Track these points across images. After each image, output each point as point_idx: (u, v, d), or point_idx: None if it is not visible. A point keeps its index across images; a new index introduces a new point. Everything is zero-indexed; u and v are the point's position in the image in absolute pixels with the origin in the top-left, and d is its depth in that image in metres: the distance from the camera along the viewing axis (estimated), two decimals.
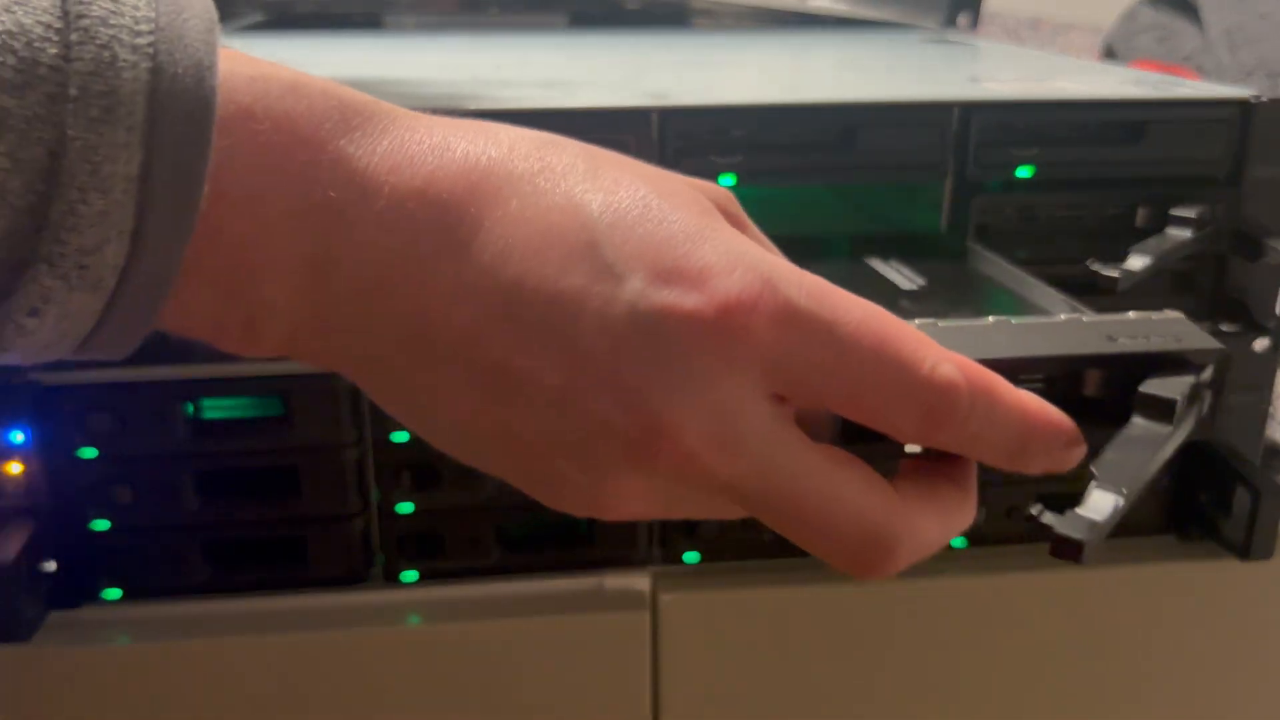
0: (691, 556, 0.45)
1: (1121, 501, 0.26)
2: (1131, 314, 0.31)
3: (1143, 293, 0.43)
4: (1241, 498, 0.45)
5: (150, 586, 0.43)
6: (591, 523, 0.45)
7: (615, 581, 0.45)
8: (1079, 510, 0.26)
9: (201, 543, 0.43)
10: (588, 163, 0.27)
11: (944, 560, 0.46)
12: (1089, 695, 0.48)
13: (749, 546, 0.45)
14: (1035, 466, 0.28)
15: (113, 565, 0.42)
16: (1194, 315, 0.44)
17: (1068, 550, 0.26)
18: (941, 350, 0.26)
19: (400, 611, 0.43)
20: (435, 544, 0.44)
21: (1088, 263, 0.40)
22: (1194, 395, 0.29)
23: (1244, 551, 0.44)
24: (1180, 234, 0.42)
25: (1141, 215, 0.43)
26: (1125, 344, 0.29)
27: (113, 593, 0.43)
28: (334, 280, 0.25)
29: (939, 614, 0.46)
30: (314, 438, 0.42)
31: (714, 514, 0.29)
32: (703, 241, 0.26)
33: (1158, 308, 0.44)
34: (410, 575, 0.44)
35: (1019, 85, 0.45)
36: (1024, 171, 0.42)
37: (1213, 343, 0.30)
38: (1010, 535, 0.47)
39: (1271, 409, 0.46)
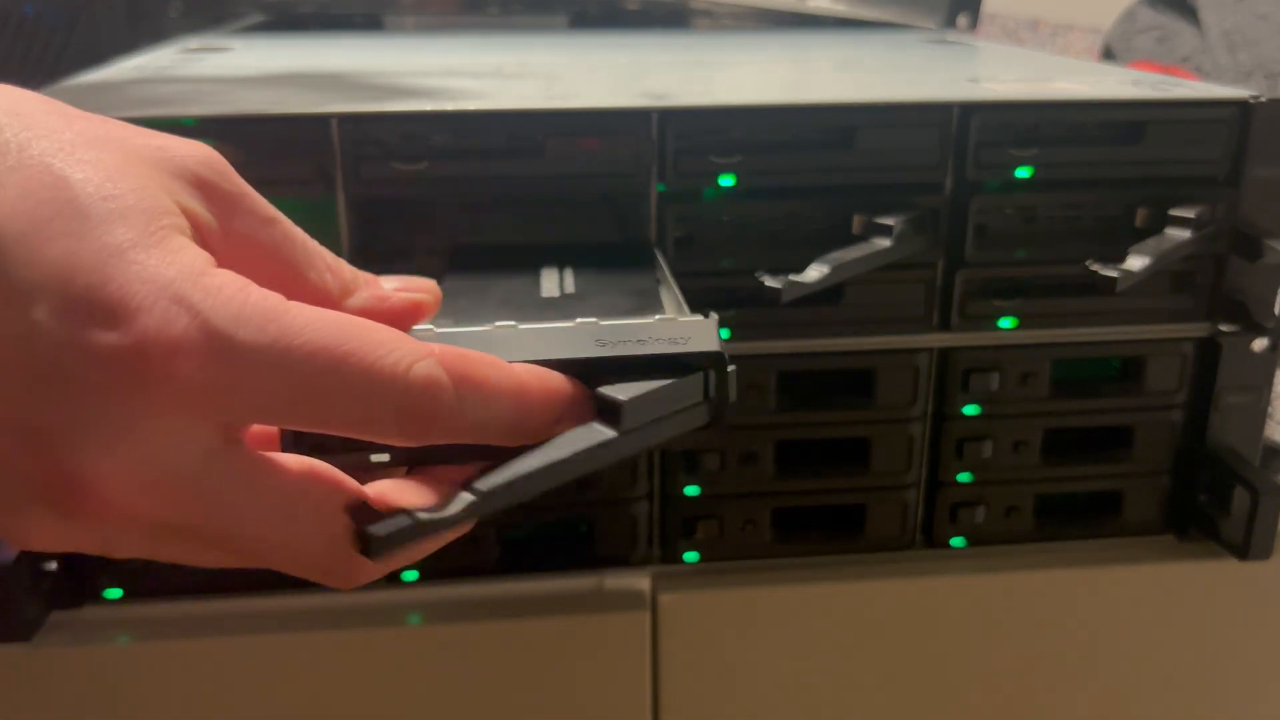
0: (691, 556, 0.45)
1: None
2: (656, 318, 0.30)
3: (1142, 293, 0.43)
4: (1240, 498, 0.45)
5: (151, 586, 0.43)
6: (591, 523, 0.45)
7: (615, 581, 0.45)
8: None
9: None
10: (18, 130, 0.23)
11: (944, 560, 0.46)
12: (1088, 694, 0.48)
13: (748, 546, 0.46)
14: (548, 435, 0.27)
15: (114, 565, 0.42)
16: (1193, 315, 0.45)
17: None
18: (418, 346, 0.25)
19: (401, 611, 0.43)
20: None
21: (1087, 263, 0.40)
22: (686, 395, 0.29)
23: (1243, 551, 0.45)
24: (1179, 234, 0.42)
25: (1141, 216, 0.43)
26: (611, 349, 0.29)
27: (114, 592, 0.43)
28: None
29: (939, 614, 0.46)
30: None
31: (165, 553, 0.27)
32: (126, 263, 0.22)
33: (1156, 308, 0.44)
34: (411, 575, 0.44)
35: (1018, 86, 0.45)
36: (1023, 172, 0.42)
37: (710, 346, 0.29)
38: (1010, 535, 0.47)
39: (1270, 409, 0.46)
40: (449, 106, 0.40)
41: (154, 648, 0.42)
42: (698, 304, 0.39)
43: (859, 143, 0.41)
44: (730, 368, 0.29)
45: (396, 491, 0.26)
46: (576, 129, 0.40)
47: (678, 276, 0.38)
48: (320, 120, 0.39)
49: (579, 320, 0.30)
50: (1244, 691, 0.49)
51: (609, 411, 0.27)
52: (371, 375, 0.24)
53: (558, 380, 0.27)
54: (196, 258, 0.24)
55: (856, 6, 0.83)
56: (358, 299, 0.29)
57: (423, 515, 0.24)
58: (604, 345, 0.29)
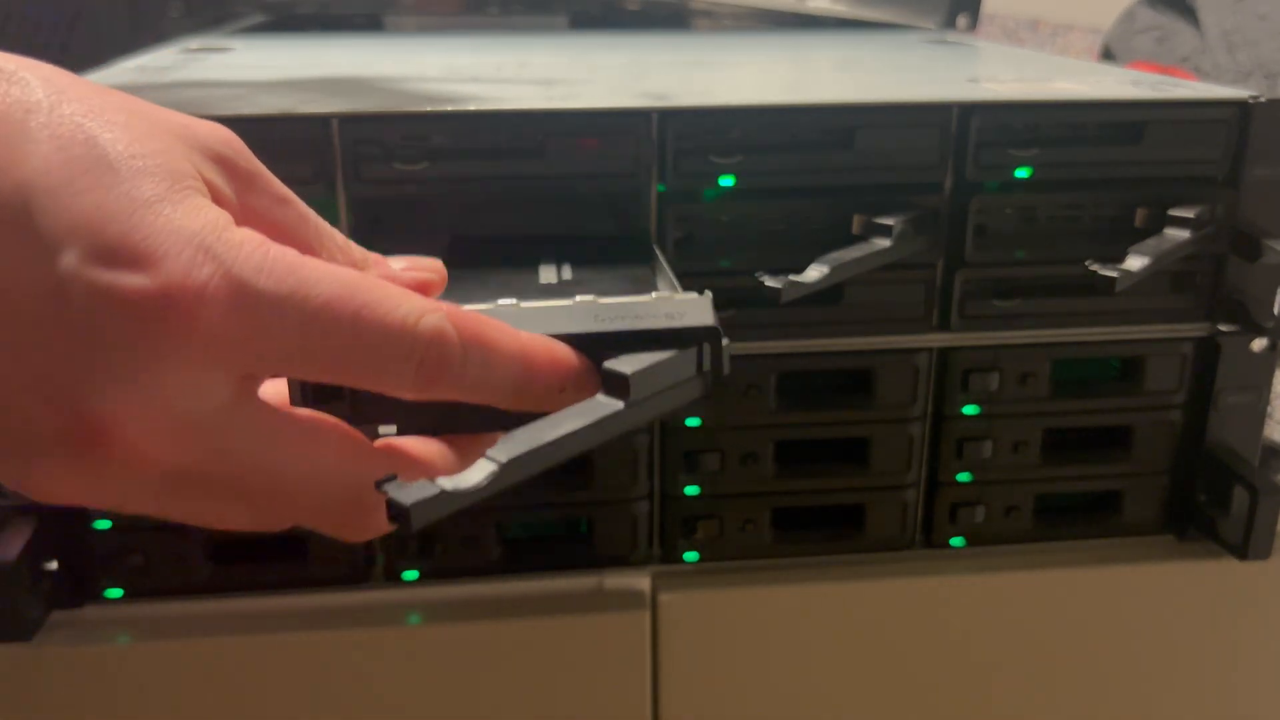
0: (691, 556, 0.45)
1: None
2: (653, 295, 0.31)
3: (1142, 293, 0.43)
4: (1240, 498, 0.45)
5: (152, 586, 0.43)
6: (591, 522, 0.45)
7: (615, 581, 0.45)
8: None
9: (203, 542, 0.43)
10: (50, 93, 0.24)
11: (944, 560, 0.47)
12: (1088, 695, 0.48)
13: (748, 546, 0.46)
14: (551, 403, 0.27)
15: (115, 564, 0.42)
16: (1192, 315, 0.45)
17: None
18: (426, 301, 0.26)
19: (401, 611, 0.43)
20: (436, 543, 0.44)
21: (1086, 263, 0.40)
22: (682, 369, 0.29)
23: (1242, 551, 0.45)
24: (1179, 235, 0.42)
25: (1140, 216, 0.43)
26: (609, 324, 0.30)
27: (114, 592, 0.43)
28: None
29: (939, 614, 0.46)
30: None
31: (180, 508, 0.27)
32: (154, 215, 0.23)
33: (1156, 308, 0.44)
34: (411, 574, 0.44)
35: (1018, 86, 0.45)
36: (1023, 172, 0.42)
37: (705, 320, 0.30)
38: (1010, 535, 0.47)
39: (1270, 409, 0.46)
40: (449, 107, 0.40)
41: (154, 648, 0.42)
42: None
43: (859, 143, 0.41)
44: (724, 341, 0.30)
45: (406, 444, 0.28)
46: (576, 129, 0.40)
47: (678, 277, 0.38)
48: (321, 120, 0.39)
49: (578, 298, 0.30)
50: (1244, 691, 0.49)
51: (615, 384, 0.28)
52: (384, 325, 0.25)
53: (562, 350, 0.28)
54: (219, 215, 0.25)
55: (856, 7, 0.83)
56: None
57: (449, 485, 0.25)
58: (602, 321, 0.30)
